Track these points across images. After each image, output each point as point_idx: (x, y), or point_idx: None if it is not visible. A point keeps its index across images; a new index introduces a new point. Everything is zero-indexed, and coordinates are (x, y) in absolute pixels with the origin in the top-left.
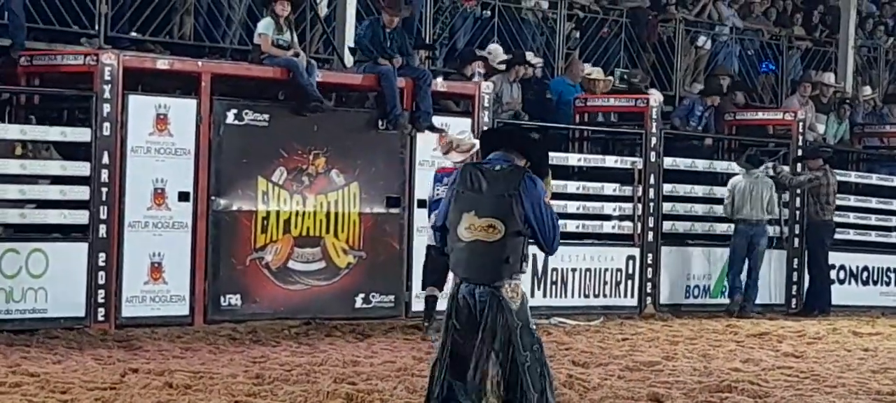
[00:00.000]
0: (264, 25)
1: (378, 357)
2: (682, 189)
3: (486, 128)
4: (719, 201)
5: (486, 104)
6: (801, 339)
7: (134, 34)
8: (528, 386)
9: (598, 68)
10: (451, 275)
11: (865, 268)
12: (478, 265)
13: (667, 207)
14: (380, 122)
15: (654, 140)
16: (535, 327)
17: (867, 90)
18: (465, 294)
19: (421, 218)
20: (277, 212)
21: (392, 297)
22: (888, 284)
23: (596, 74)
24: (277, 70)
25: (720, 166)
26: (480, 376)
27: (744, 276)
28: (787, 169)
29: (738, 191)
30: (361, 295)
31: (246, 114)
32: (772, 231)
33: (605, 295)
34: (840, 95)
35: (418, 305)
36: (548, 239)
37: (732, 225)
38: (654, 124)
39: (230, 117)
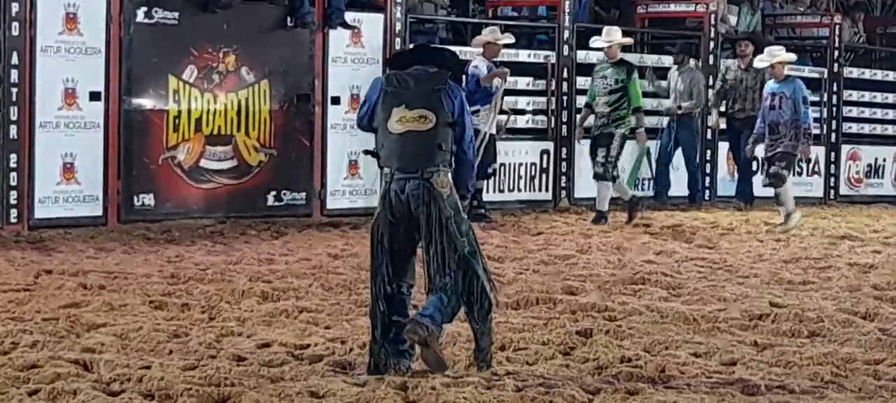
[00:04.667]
0: None
1: (293, 255)
2: None
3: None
4: None
5: (399, 0)
6: (715, 231)
7: None
8: (472, 270)
9: None
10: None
11: None
12: (412, 154)
13: (580, 101)
14: (288, 19)
15: (566, 33)
16: (465, 214)
17: None
18: (396, 189)
19: (334, 114)
20: (189, 111)
21: (303, 194)
22: (800, 174)
23: None
24: None
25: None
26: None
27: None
28: (663, 82)
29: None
30: (273, 193)
31: (156, 12)
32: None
33: (519, 190)
34: None
35: (332, 203)
36: (467, 143)
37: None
38: (567, 18)
39: (140, 15)
